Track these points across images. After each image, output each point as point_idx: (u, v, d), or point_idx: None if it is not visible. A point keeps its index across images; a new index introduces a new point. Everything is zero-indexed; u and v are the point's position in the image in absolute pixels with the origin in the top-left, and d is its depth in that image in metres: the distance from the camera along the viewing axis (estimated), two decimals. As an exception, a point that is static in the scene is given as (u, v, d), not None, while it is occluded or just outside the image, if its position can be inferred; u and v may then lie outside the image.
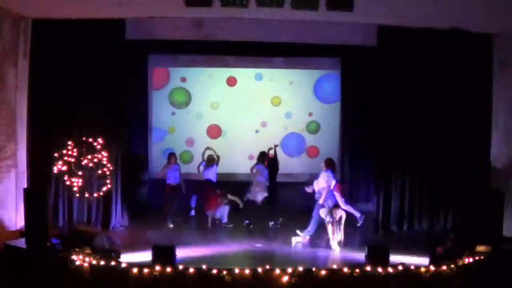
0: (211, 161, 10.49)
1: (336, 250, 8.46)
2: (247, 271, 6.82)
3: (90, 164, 8.68)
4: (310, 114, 12.62)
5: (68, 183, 8.64)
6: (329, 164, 8.95)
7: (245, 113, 12.45)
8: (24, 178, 9.12)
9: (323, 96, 12.52)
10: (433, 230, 9.57)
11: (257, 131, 12.56)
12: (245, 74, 12.50)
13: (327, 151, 12.07)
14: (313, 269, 6.91)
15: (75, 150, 8.66)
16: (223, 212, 10.26)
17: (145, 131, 11.67)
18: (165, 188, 10.24)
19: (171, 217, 10.07)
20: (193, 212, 10.91)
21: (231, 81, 12.54)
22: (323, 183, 8.72)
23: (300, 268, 6.87)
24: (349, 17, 8.67)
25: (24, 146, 9.16)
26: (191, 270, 6.83)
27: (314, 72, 12.44)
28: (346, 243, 8.64)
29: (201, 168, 10.51)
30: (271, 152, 10.98)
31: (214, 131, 12.58)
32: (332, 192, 8.88)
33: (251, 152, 11.90)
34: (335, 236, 8.57)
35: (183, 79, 12.47)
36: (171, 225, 9.97)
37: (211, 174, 10.47)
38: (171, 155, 10.42)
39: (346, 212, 8.93)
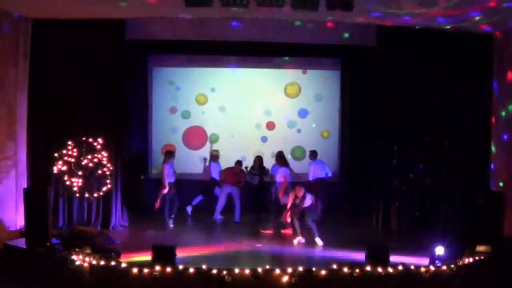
0: (215, 157, 10.41)
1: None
2: (247, 271, 6.83)
3: (90, 164, 8.68)
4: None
5: (68, 183, 8.63)
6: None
7: (244, 111, 11.58)
8: (24, 178, 9.12)
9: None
10: (433, 230, 9.55)
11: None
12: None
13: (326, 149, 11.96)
14: (313, 269, 6.91)
15: (75, 150, 8.66)
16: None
17: (145, 131, 11.68)
18: (163, 187, 9.80)
19: (169, 216, 10.01)
20: (189, 210, 10.75)
21: None
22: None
23: (300, 268, 6.87)
24: (349, 17, 8.67)
25: (24, 146, 9.15)
26: (191, 270, 6.84)
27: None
28: (346, 243, 8.66)
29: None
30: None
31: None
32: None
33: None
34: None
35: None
36: (171, 225, 9.96)
37: (215, 172, 10.45)
38: (168, 153, 10.18)
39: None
